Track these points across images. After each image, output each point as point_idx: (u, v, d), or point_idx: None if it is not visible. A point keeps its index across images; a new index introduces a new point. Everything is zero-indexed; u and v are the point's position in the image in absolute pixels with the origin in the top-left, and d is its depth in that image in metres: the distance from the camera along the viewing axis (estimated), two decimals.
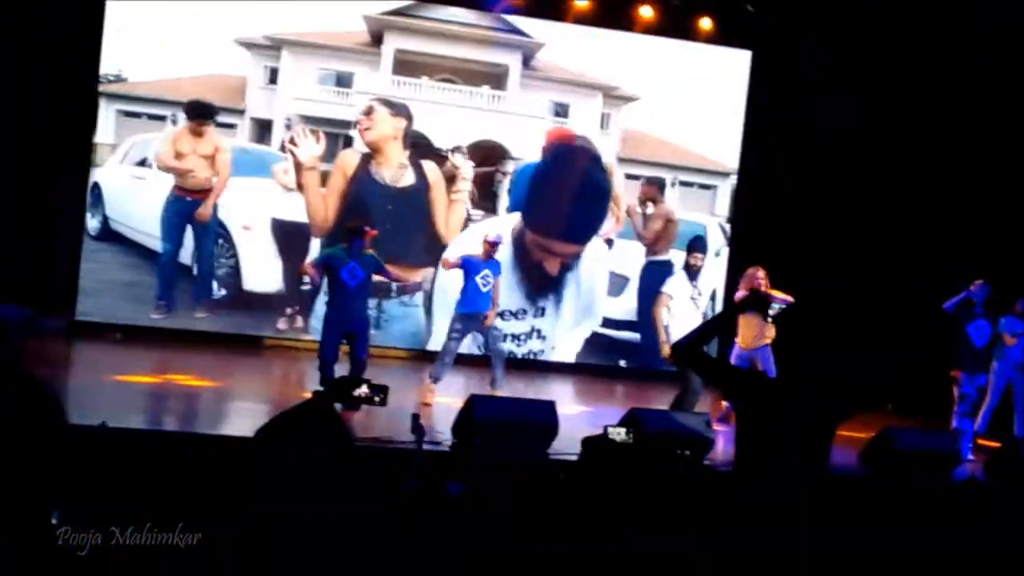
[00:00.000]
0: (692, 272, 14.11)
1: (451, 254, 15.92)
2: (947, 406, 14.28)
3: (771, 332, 13.93)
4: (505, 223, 17.57)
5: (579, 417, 14.16)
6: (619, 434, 9.64)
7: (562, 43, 18.28)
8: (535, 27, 18.17)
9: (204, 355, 16.00)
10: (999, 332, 14.35)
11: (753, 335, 14.14)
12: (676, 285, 14.08)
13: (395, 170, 17.57)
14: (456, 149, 17.81)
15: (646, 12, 18.31)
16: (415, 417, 8.96)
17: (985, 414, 14.58)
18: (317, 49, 17.15)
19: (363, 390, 7.52)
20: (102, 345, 16.07)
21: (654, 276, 18.18)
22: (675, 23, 18.60)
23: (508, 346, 17.42)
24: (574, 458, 10.08)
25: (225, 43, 16.94)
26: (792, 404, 5.95)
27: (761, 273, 14.21)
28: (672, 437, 10.76)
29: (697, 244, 14.64)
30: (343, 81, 17.22)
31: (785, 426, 5.93)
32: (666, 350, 13.63)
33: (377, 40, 17.19)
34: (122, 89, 16.86)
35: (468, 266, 14.43)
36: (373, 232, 13.44)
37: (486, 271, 14.39)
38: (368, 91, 17.37)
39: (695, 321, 13.50)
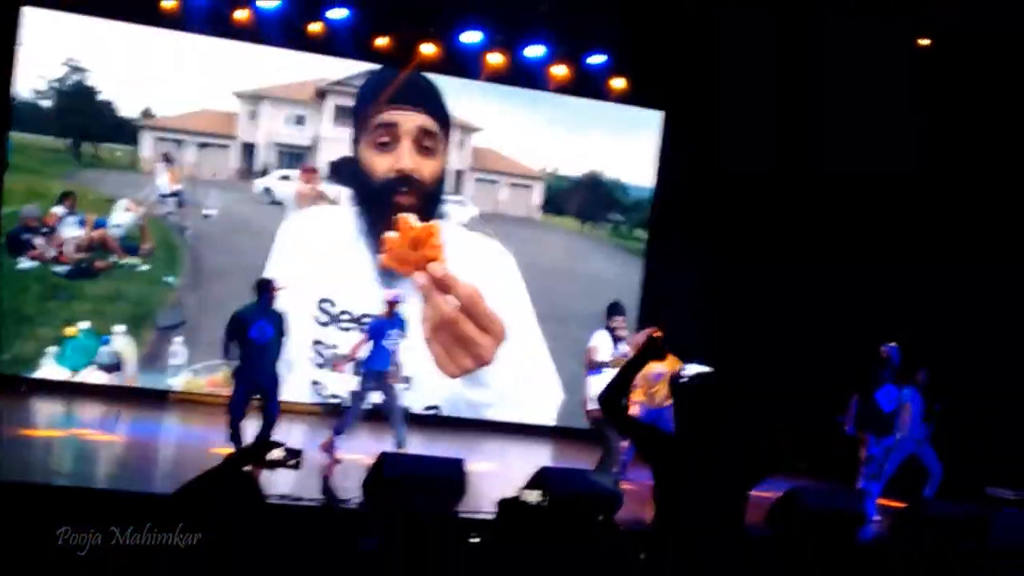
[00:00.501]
0: (615, 338, 13.86)
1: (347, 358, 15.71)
2: (854, 467, 14.43)
3: (667, 394, 13.92)
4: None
5: (488, 474, 14.19)
6: (533, 496, 9.65)
7: (474, 103, 19.33)
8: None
9: (114, 407, 15.88)
10: (903, 401, 14.52)
11: (649, 396, 14.12)
12: (601, 340, 13.95)
13: None
14: None
15: (559, 71, 18.56)
16: (325, 475, 9.00)
17: (882, 480, 14.75)
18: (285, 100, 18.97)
19: (278, 454, 7.50)
20: (6, 398, 15.82)
21: None
22: (588, 82, 18.85)
23: None
24: (485, 516, 10.09)
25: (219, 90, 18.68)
26: (706, 466, 6.01)
27: (657, 335, 14.20)
28: (583, 498, 10.76)
29: (616, 308, 14.26)
30: (301, 120, 19.10)
31: (700, 488, 6.00)
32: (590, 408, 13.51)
33: (322, 96, 19.08)
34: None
35: (375, 332, 14.47)
36: (281, 287, 13.43)
37: (392, 331, 14.44)
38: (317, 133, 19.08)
39: None
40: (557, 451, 17.77)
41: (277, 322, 13.22)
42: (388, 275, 17.94)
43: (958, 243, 16.65)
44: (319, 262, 18.42)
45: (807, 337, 17.58)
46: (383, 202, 18.61)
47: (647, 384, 14.08)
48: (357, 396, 14.50)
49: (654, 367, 14.00)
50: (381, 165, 18.87)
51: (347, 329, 18.04)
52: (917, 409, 14.70)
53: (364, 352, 14.61)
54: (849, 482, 14.58)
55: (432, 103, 19.07)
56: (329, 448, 13.95)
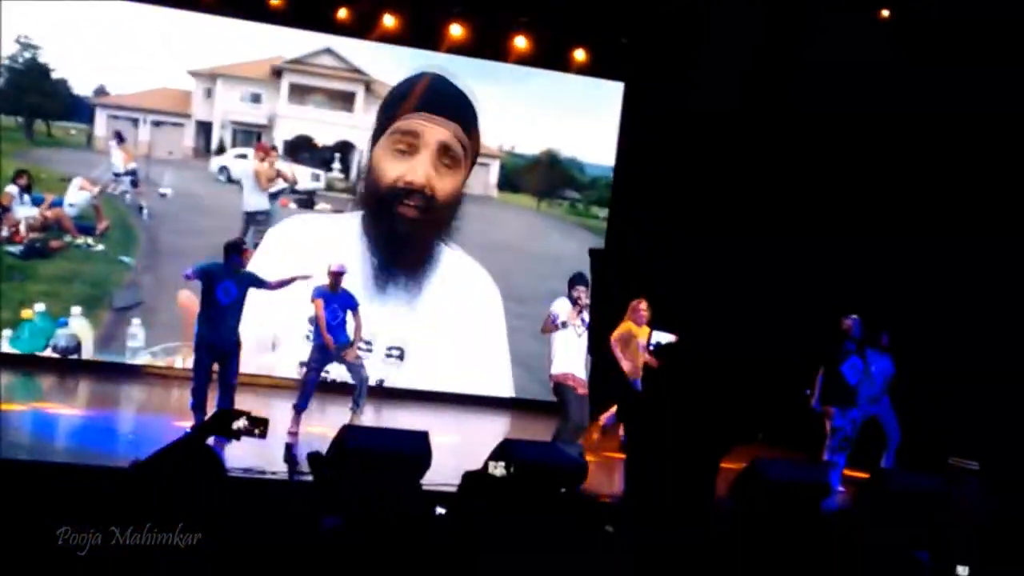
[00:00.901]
0: (578, 306, 13.74)
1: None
2: (820, 439, 14.44)
3: (640, 365, 14.06)
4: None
5: (452, 447, 14.16)
6: (498, 468, 9.61)
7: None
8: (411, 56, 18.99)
9: (75, 381, 15.76)
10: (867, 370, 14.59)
11: (628, 368, 14.23)
12: (561, 306, 13.73)
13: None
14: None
15: (520, 42, 18.51)
16: (288, 447, 8.92)
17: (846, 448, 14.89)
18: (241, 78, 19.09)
19: (242, 423, 7.43)
20: None
21: None
22: (549, 54, 18.79)
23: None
24: (449, 489, 10.04)
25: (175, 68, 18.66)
26: (679, 437, 5.98)
27: (644, 305, 14.37)
28: (547, 469, 10.72)
29: (579, 279, 13.99)
30: (257, 99, 19.16)
31: (673, 458, 5.97)
32: (559, 370, 13.47)
33: (278, 74, 19.10)
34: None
35: (322, 299, 14.29)
36: (250, 251, 13.39)
37: (334, 306, 14.26)
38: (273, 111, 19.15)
39: (578, 350, 13.43)
40: (513, 424, 17.74)
41: (244, 284, 13.10)
42: (382, 284, 18.15)
43: (925, 217, 16.66)
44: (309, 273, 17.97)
45: (772, 310, 17.57)
46: (385, 210, 18.71)
47: (633, 355, 14.20)
48: (310, 370, 14.35)
49: (640, 339, 14.19)
50: (392, 172, 18.69)
51: None
52: (883, 371, 14.76)
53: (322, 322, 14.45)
54: (814, 454, 14.59)
55: (463, 120, 18.96)
56: (296, 428, 13.81)
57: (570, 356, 13.36)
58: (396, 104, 18.86)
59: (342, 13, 18.43)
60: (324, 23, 18.60)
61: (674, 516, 5.98)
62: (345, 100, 19.47)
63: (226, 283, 12.87)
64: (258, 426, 7.37)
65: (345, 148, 19.37)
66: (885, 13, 16.22)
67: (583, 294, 13.69)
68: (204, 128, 18.81)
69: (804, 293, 17.22)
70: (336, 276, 14.30)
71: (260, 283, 13.38)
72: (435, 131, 18.65)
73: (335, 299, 14.25)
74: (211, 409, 12.58)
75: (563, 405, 13.33)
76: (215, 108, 18.88)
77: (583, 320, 13.53)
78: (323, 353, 14.25)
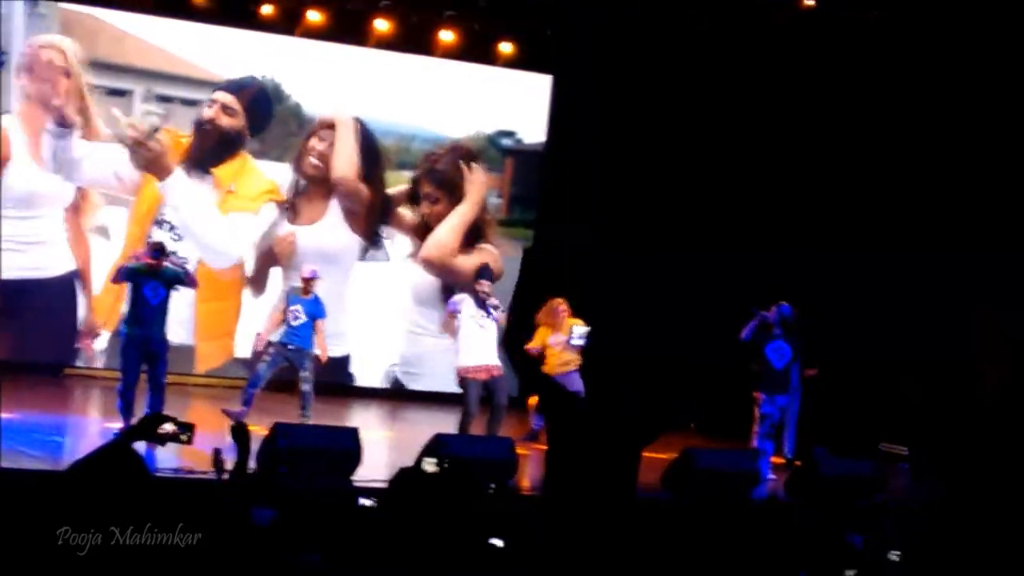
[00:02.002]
0: (479, 299, 13.83)
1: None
2: (749, 427, 14.45)
3: (575, 358, 14.22)
4: None
5: (383, 442, 14.15)
6: (431, 464, 9.64)
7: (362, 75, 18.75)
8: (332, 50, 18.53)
9: None
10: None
11: (558, 361, 14.38)
12: (460, 301, 14.01)
13: None
14: None
15: (447, 36, 18.34)
16: (216, 452, 8.87)
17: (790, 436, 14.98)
18: None
19: (169, 427, 7.37)
20: None
21: None
22: (476, 48, 18.65)
23: None
24: (379, 485, 10.04)
25: None
26: (600, 426, 5.96)
27: (562, 305, 14.52)
28: (477, 463, 10.76)
29: (482, 272, 14.49)
30: None
31: (594, 448, 5.95)
32: (463, 363, 13.63)
33: None
34: None
35: (287, 298, 14.28)
36: (172, 250, 13.42)
37: (297, 306, 14.13)
38: None
39: (482, 341, 13.55)
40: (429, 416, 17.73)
41: (169, 282, 13.10)
42: None
43: (857, 216, 16.82)
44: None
45: (700, 307, 17.66)
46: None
47: (551, 351, 14.40)
48: (260, 362, 14.21)
49: (556, 334, 14.37)
50: None
51: None
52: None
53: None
54: (744, 442, 14.65)
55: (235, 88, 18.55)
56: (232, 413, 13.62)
57: (474, 349, 13.53)
58: None
59: (267, 9, 17.77)
60: (249, 20, 17.91)
61: (595, 507, 5.96)
62: None
63: (153, 283, 12.86)
64: (185, 432, 7.30)
65: None
66: (810, 2, 16.22)
67: (486, 287, 13.83)
68: None
69: (735, 287, 17.34)
70: (308, 282, 14.22)
71: (183, 281, 13.37)
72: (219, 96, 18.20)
73: (300, 302, 14.13)
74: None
75: (465, 398, 13.53)
76: None
77: (488, 311, 13.64)
78: (279, 349, 14.08)
